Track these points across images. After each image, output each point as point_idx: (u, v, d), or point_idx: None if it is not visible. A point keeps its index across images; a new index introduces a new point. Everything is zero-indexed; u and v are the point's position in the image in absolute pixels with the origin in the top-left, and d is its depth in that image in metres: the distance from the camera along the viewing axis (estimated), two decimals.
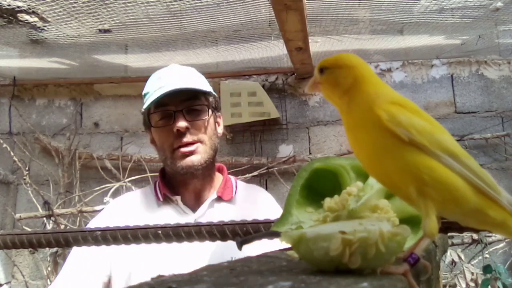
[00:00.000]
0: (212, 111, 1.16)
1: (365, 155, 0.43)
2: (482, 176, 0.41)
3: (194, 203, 1.15)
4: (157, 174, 1.25)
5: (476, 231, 0.50)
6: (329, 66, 0.45)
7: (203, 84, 1.16)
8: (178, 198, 1.14)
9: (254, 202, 1.18)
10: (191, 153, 1.09)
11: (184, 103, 1.10)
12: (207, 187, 1.16)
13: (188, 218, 1.11)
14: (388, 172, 0.42)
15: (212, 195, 1.15)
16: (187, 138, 1.09)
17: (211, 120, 1.15)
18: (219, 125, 1.21)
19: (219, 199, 1.15)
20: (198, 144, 1.10)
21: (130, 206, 1.17)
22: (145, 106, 1.13)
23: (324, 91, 0.46)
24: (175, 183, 1.17)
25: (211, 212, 1.13)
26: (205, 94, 1.14)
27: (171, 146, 1.10)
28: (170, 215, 1.12)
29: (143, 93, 1.17)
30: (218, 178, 1.20)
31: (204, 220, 1.09)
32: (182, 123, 1.07)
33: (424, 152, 0.40)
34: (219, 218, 1.05)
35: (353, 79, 0.43)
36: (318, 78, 0.46)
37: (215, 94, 1.19)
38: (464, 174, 0.40)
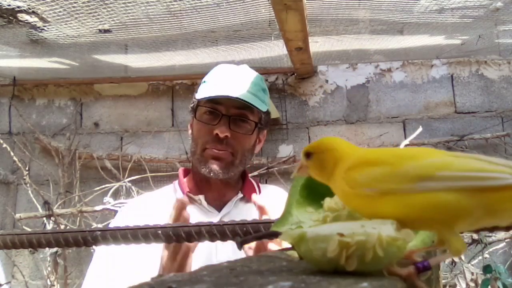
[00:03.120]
0: (258, 129, 1.12)
1: (364, 215, 0.44)
2: (469, 175, 0.38)
3: (218, 203, 1.12)
4: (157, 174, 1.23)
5: (476, 231, 0.49)
6: (314, 151, 0.48)
7: (262, 99, 1.12)
8: (202, 197, 1.10)
9: (274, 202, 1.16)
10: (220, 157, 1.06)
11: (235, 110, 1.06)
12: (230, 187, 1.13)
13: (213, 217, 1.08)
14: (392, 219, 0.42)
15: (236, 195, 1.13)
16: (222, 146, 1.05)
17: (253, 137, 1.11)
18: (259, 142, 1.17)
19: (243, 198, 1.13)
20: (230, 155, 1.07)
21: (151, 208, 1.13)
22: (197, 94, 1.10)
23: (312, 172, 0.49)
24: (198, 182, 1.14)
25: (235, 211, 1.10)
26: (260, 109, 1.10)
27: (204, 144, 1.07)
28: (194, 214, 1.08)
29: (203, 79, 1.13)
30: (241, 178, 1.18)
31: (229, 219, 1.06)
32: (224, 130, 1.04)
33: (398, 193, 0.39)
34: (244, 218, 1.03)
35: (334, 159, 0.46)
36: (305, 163, 0.49)
37: (270, 111, 1.15)
38: (445, 186, 0.38)
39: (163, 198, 1.15)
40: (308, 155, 0.49)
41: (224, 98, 1.04)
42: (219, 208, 1.11)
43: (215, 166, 1.06)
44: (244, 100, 1.04)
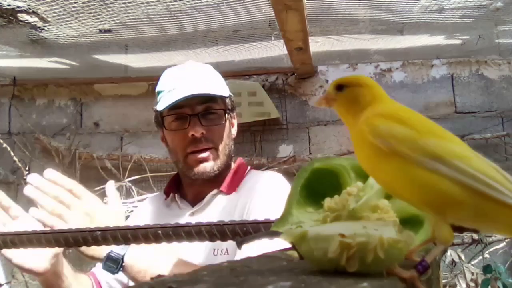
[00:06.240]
0: (228, 114, 1.13)
1: (365, 168, 0.45)
2: (480, 177, 0.38)
3: (195, 199, 1.14)
4: (157, 174, 1.25)
5: (476, 231, 0.48)
6: (350, 84, 0.47)
7: (220, 85, 1.12)
8: (177, 195, 1.15)
9: (252, 191, 1.10)
10: (204, 159, 1.07)
11: (200, 106, 1.07)
12: (213, 183, 1.12)
13: (184, 212, 1.11)
14: (386, 183, 0.42)
15: (214, 190, 1.12)
16: (202, 144, 1.06)
17: (227, 124, 1.12)
18: (233, 126, 1.18)
19: (220, 192, 1.12)
20: (212, 150, 1.08)
21: (148, 208, 1.21)
22: (158, 106, 1.09)
23: (339, 107, 0.47)
24: (183, 182, 1.18)
25: (206, 206, 1.11)
26: (222, 96, 1.11)
27: (184, 151, 1.08)
28: (172, 212, 1.13)
29: (156, 90, 1.14)
30: (230, 171, 1.16)
31: (200, 214, 1.09)
32: (198, 129, 1.05)
33: (407, 160, 0.39)
34: (212, 212, 1.07)
35: (372, 96, 0.45)
36: (333, 95, 0.47)
37: (231, 94, 1.15)
38: (453, 176, 0.38)
39: (158, 200, 1.22)
40: (340, 87, 0.47)
41: (186, 99, 1.04)
42: (193, 205, 1.13)
43: (202, 168, 1.07)
44: (204, 94, 1.05)
